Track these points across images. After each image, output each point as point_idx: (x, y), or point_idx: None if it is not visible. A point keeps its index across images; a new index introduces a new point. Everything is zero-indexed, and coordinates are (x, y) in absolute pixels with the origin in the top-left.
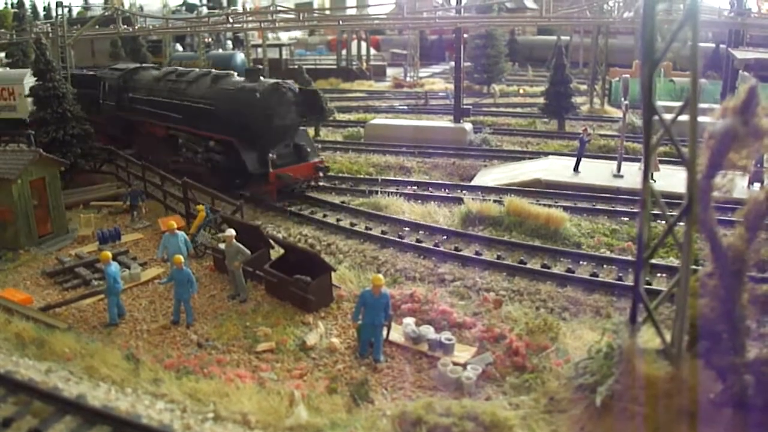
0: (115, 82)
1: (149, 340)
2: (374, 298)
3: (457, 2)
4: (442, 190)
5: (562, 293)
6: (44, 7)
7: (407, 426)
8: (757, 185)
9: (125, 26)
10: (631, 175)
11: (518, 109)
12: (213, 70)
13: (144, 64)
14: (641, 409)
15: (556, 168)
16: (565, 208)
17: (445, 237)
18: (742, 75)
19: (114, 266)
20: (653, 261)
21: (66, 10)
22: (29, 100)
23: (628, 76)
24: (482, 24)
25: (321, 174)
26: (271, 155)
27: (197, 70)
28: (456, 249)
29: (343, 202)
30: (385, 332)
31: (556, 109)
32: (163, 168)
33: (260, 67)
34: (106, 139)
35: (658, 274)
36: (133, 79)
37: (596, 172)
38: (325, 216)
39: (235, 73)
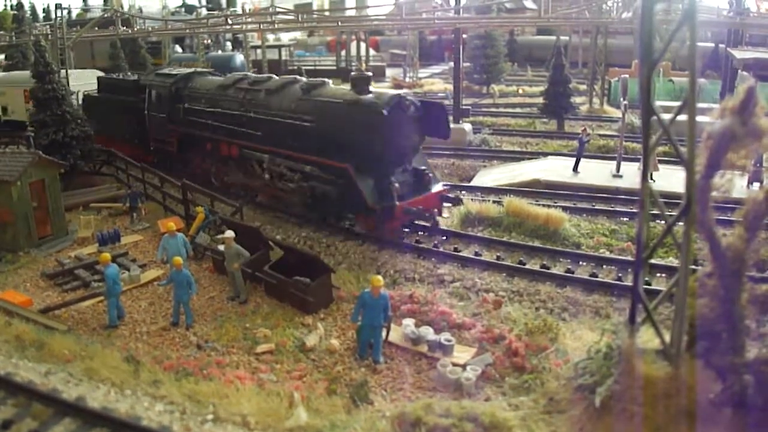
0: (166, 90)
1: (149, 341)
2: (373, 299)
3: (456, 3)
4: None
5: (561, 294)
6: (43, 9)
7: (407, 427)
8: (756, 185)
9: (124, 28)
10: (630, 175)
11: (517, 110)
12: (298, 77)
13: (199, 69)
14: (640, 409)
15: (555, 168)
16: (565, 209)
17: (444, 237)
18: (741, 75)
19: (113, 268)
20: (652, 261)
21: (65, 12)
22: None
23: (627, 76)
24: (481, 25)
25: (451, 204)
26: (395, 184)
27: (275, 77)
28: (455, 250)
29: None
30: (384, 333)
31: (556, 109)
32: (228, 194)
33: (369, 74)
34: (150, 156)
35: (658, 275)
36: (190, 86)
37: (595, 173)
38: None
39: (329, 81)
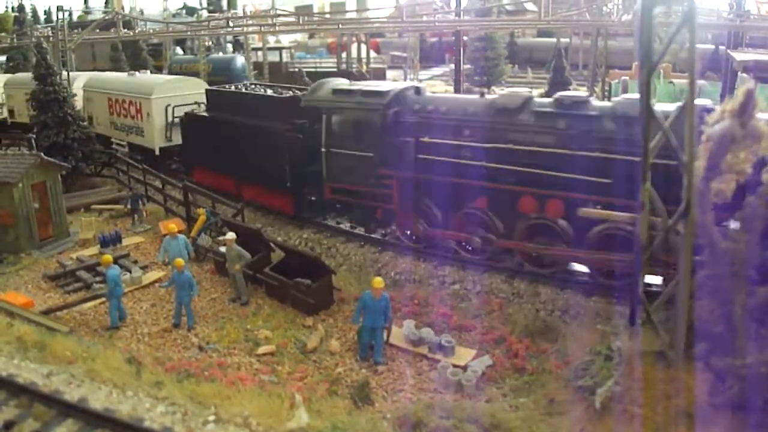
0: (377, 115)
1: (150, 343)
2: (374, 301)
3: (456, 5)
4: None
5: (561, 295)
6: (45, 11)
7: (408, 428)
8: None
9: (126, 30)
10: None
11: None
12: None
13: (414, 85)
14: (640, 410)
15: None
16: None
17: None
18: (740, 77)
19: (115, 270)
20: None
21: (66, 14)
22: (156, 121)
23: (627, 78)
24: (481, 27)
25: None
26: None
27: (590, 97)
28: (456, 251)
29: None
30: (385, 335)
31: None
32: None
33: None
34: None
35: None
36: (419, 111)
37: None
38: (324, 219)
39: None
